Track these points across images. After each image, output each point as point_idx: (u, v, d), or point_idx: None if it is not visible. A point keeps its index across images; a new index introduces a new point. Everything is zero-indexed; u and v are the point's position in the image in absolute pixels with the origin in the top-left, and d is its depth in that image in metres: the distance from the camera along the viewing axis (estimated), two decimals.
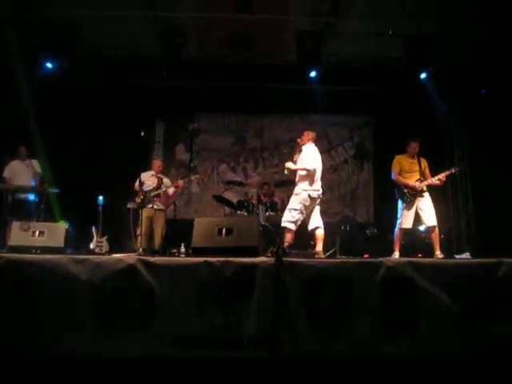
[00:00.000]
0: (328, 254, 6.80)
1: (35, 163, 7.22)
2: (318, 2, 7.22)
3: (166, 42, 7.64)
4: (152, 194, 7.12)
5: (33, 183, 7.13)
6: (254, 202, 7.75)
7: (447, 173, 6.32)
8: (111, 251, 6.47)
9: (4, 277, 3.50)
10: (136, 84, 8.80)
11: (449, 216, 8.86)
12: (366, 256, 6.45)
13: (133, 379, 3.41)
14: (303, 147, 6.18)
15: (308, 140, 6.21)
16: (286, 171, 6.20)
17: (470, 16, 7.01)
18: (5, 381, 3.35)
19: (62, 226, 5.21)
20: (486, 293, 3.52)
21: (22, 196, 6.99)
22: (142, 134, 6.44)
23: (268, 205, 7.78)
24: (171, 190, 7.35)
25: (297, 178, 6.07)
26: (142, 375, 3.40)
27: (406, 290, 3.53)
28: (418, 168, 6.40)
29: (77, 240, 6.49)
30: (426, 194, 6.29)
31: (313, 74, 8.26)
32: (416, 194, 6.26)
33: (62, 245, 4.79)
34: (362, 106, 9.29)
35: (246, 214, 7.35)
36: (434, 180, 6.29)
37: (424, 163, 6.46)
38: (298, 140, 6.31)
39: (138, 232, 6.77)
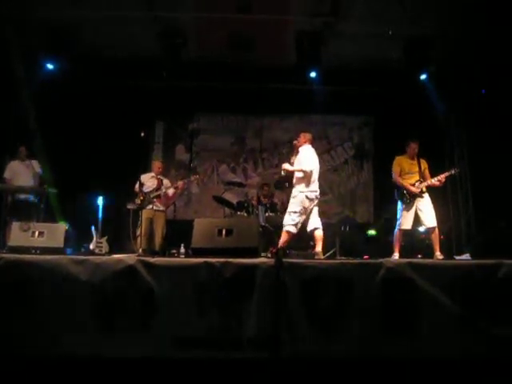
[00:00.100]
0: (328, 254, 6.81)
1: (35, 164, 7.21)
2: (318, 3, 7.22)
3: (166, 42, 7.64)
4: (152, 196, 7.12)
5: (33, 184, 7.12)
6: (254, 202, 7.76)
7: (447, 174, 6.32)
8: (111, 252, 6.46)
9: (4, 277, 3.50)
10: (136, 84, 8.80)
11: (449, 217, 8.86)
12: (365, 257, 6.44)
13: (132, 380, 3.41)
14: (300, 149, 6.17)
15: (304, 141, 6.20)
16: (282, 172, 6.21)
17: (470, 16, 7.02)
18: (5, 381, 3.35)
19: (62, 226, 5.20)
20: (485, 294, 3.52)
21: (22, 196, 6.99)
22: (142, 134, 6.42)
23: (268, 206, 7.78)
24: (171, 191, 7.36)
25: (294, 180, 6.06)
26: (141, 376, 3.40)
27: (406, 291, 3.53)
28: (417, 169, 6.40)
29: (77, 240, 6.50)
30: (426, 195, 6.28)
31: (313, 74, 8.25)
32: (416, 194, 6.26)
33: (61, 245, 4.79)
34: (362, 106, 9.29)
35: (245, 214, 7.36)
36: (434, 181, 6.28)
37: (424, 164, 6.45)
38: (295, 142, 6.30)
39: (138, 233, 6.77)
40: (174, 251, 6.96)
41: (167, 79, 8.51)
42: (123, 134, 8.51)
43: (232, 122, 9.91)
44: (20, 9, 7.05)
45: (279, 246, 5.90)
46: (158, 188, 7.27)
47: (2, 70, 7.62)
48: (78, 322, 3.45)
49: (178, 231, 6.84)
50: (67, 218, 6.96)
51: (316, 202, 5.99)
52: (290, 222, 5.88)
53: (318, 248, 5.86)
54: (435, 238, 6.16)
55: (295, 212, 5.87)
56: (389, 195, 6.76)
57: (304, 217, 5.92)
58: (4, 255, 3.67)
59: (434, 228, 6.18)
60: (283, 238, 5.92)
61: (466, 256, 6.15)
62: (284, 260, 3.58)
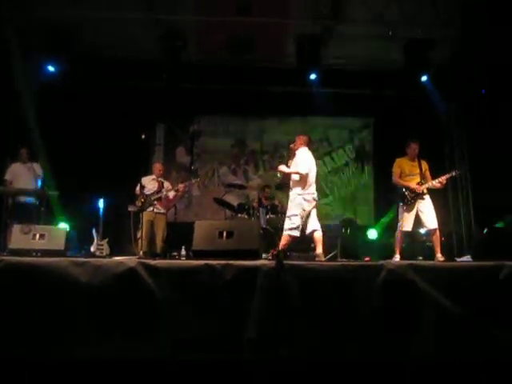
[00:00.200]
0: (329, 256, 6.80)
1: (36, 166, 7.21)
2: (318, 5, 7.23)
3: (167, 44, 7.66)
4: (153, 198, 7.13)
5: (34, 186, 7.12)
6: (255, 204, 7.75)
7: (448, 176, 6.29)
8: (112, 254, 6.46)
9: (4, 279, 3.50)
10: (136, 86, 8.82)
11: (449, 219, 8.86)
12: (366, 259, 6.44)
13: (133, 382, 3.41)
14: (297, 152, 6.13)
15: (301, 144, 6.16)
16: (278, 174, 6.19)
17: (470, 16, 7.02)
18: (4, 383, 3.35)
19: (63, 229, 5.20)
20: (487, 295, 3.51)
21: (23, 199, 6.99)
22: (143, 136, 6.43)
23: (269, 208, 7.78)
24: (172, 194, 7.36)
25: (291, 183, 6.04)
26: (142, 378, 3.39)
27: (407, 293, 3.52)
28: (418, 171, 6.39)
29: (77, 243, 6.50)
30: (427, 197, 6.27)
31: (313, 76, 8.27)
32: (416, 196, 6.24)
33: (62, 248, 4.78)
34: (362, 108, 9.31)
35: (246, 216, 7.36)
36: (435, 183, 6.26)
37: (425, 166, 6.44)
38: (291, 146, 6.28)
39: (139, 235, 6.76)
40: (175, 253, 6.94)
41: (167, 81, 8.55)
42: (124, 137, 8.52)
43: (232, 124, 9.94)
44: (20, 9, 7.07)
45: (280, 248, 5.88)
46: (159, 190, 7.28)
47: (2, 70, 7.61)
48: (78, 325, 3.44)
49: (178, 233, 6.84)
50: (68, 220, 6.96)
51: (314, 204, 5.96)
52: (290, 226, 5.84)
53: (319, 250, 5.84)
54: (436, 239, 6.15)
55: (295, 215, 5.84)
56: (389, 197, 6.75)
57: (304, 219, 5.91)
58: (4, 257, 3.67)
59: (434, 230, 6.17)
60: (284, 241, 5.89)
61: (467, 258, 6.12)
62: (285, 262, 3.57)
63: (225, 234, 4.26)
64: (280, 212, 7.62)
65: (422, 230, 6.76)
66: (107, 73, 8.51)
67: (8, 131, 7.94)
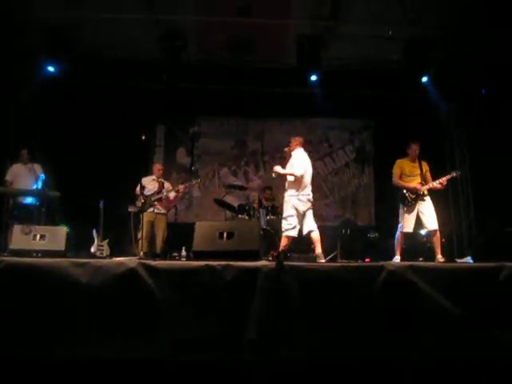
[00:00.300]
0: (329, 257, 6.81)
1: (37, 167, 7.21)
2: (318, 6, 7.23)
3: (167, 44, 7.65)
4: (153, 199, 7.13)
5: (34, 187, 7.12)
6: (255, 205, 7.75)
7: (448, 177, 6.28)
8: (112, 255, 6.46)
9: (5, 280, 3.50)
10: (136, 87, 8.79)
11: (450, 220, 8.85)
12: (367, 260, 6.44)
13: (133, 383, 3.41)
14: (292, 153, 6.13)
15: (296, 145, 6.17)
16: (273, 175, 6.18)
17: (470, 17, 7.02)
18: (5, 383, 3.35)
19: (63, 229, 5.19)
20: (487, 296, 3.51)
21: (24, 200, 7.00)
22: (143, 137, 6.43)
23: (269, 209, 7.78)
24: (172, 195, 7.36)
25: (286, 184, 6.04)
26: (142, 379, 3.39)
27: (407, 294, 3.52)
28: (419, 172, 6.38)
29: (78, 243, 6.49)
30: (427, 198, 6.27)
31: (313, 77, 8.26)
32: (417, 197, 6.24)
33: (62, 248, 4.78)
34: (363, 109, 9.29)
35: (247, 217, 7.36)
36: (436, 184, 6.26)
37: (425, 167, 6.44)
38: (286, 149, 6.28)
39: (139, 236, 6.76)
40: (176, 254, 6.94)
41: (168, 82, 8.53)
42: (124, 137, 8.51)
43: (233, 125, 9.93)
44: (20, 9, 7.06)
45: (280, 249, 5.89)
46: (160, 191, 7.28)
47: (2, 70, 7.61)
48: (78, 325, 3.44)
49: (179, 234, 6.83)
50: (68, 221, 6.95)
51: (309, 205, 5.96)
52: (287, 227, 5.88)
53: (318, 250, 5.84)
54: (437, 240, 6.15)
55: (290, 215, 5.86)
56: (390, 198, 6.75)
57: (300, 218, 5.91)
58: (5, 258, 3.67)
59: (435, 231, 6.16)
60: (283, 242, 5.92)
61: (468, 259, 6.13)
62: (285, 263, 3.58)
63: (225, 234, 4.27)
64: (280, 213, 7.60)
65: (423, 231, 6.76)
66: (107, 73, 8.49)
67: (8, 132, 7.94)
